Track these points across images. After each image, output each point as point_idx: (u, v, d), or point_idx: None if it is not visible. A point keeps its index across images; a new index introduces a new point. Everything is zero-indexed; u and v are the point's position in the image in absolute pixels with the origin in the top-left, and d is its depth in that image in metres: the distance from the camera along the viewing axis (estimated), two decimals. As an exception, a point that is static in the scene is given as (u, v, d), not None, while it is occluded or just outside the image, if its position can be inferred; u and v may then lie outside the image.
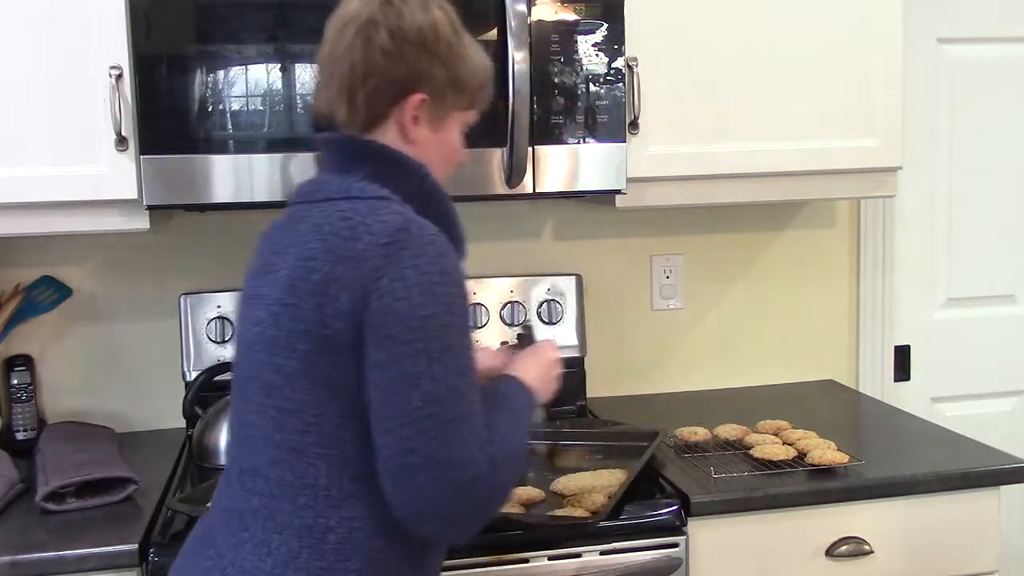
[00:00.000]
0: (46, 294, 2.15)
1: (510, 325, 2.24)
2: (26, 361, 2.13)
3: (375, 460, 1.18)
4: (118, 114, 1.76)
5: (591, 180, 1.91)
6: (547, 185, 1.89)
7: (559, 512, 1.63)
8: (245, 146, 1.77)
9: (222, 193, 1.77)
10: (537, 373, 1.40)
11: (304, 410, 1.20)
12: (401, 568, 1.24)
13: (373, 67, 1.27)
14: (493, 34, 1.82)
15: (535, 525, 1.63)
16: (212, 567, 1.25)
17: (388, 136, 1.31)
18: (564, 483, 1.72)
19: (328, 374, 1.19)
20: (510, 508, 1.64)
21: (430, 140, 1.33)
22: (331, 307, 1.17)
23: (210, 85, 1.75)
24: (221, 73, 1.75)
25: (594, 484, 1.70)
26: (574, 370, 2.28)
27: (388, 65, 1.27)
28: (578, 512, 1.61)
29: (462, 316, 1.20)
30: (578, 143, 1.89)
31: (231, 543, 1.25)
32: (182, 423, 2.13)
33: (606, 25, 1.89)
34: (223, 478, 1.33)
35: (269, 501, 1.23)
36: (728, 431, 1.99)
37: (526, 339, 1.62)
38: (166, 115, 1.75)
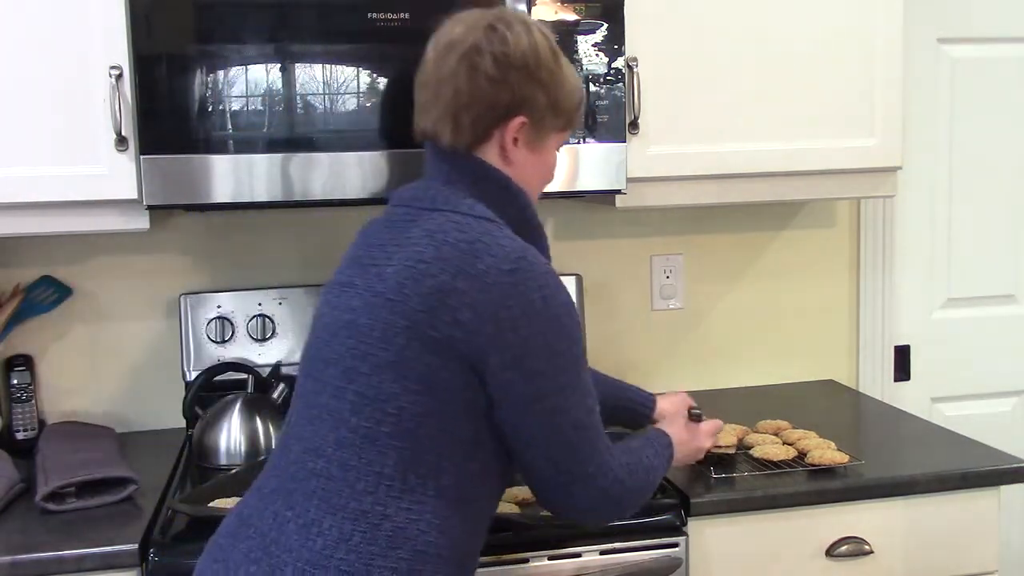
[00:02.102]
0: (46, 294, 2.15)
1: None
2: (26, 361, 2.13)
3: (445, 460, 1.26)
4: (118, 114, 1.76)
5: (591, 180, 1.91)
6: (547, 185, 1.89)
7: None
8: (245, 146, 1.77)
9: (222, 193, 1.77)
10: (685, 447, 1.61)
11: (387, 400, 1.24)
12: (448, 562, 1.27)
13: (478, 93, 1.32)
14: (493, 34, 1.82)
15: (526, 525, 1.63)
16: (255, 546, 1.26)
17: (489, 156, 1.36)
18: (564, 483, 1.72)
19: (421, 372, 1.23)
20: (505, 508, 1.64)
21: (527, 161, 1.38)
22: (449, 316, 1.22)
23: (210, 85, 1.75)
24: (221, 73, 1.75)
25: (594, 484, 1.70)
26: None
27: (493, 91, 1.32)
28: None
29: (581, 343, 1.31)
30: (578, 143, 1.89)
31: (273, 523, 1.26)
32: (182, 423, 2.13)
33: (606, 25, 1.89)
34: (274, 460, 1.35)
35: (327, 483, 1.25)
36: (728, 431, 1.98)
37: (696, 418, 1.72)
38: (166, 115, 1.75)
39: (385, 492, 1.24)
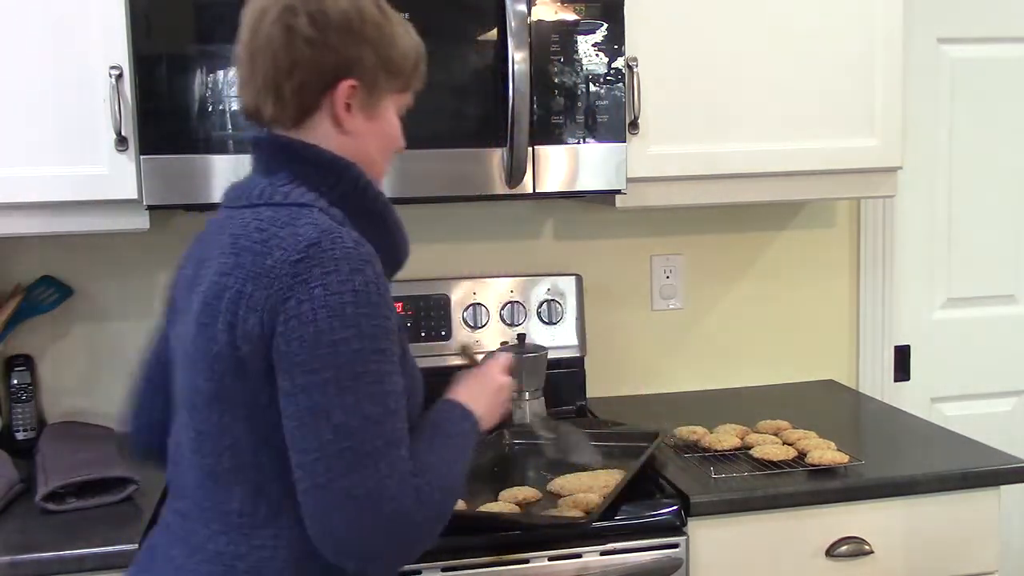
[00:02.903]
0: (46, 294, 2.15)
1: (510, 325, 2.24)
2: (26, 361, 2.13)
3: (293, 487, 1.12)
4: (118, 114, 1.76)
5: (591, 180, 1.91)
6: (547, 185, 1.89)
7: (554, 512, 1.63)
8: (245, 146, 1.76)
9: (222, 193, 1.76)
10: (483, 397, 1.34)
11: (220, 434, 1.17)
12: None
13: (297, 57, 1.18)
14: (493, 34, 1.82)
15: (527, 524, 1.63)
16: None
17: (322, 129, 1.22)
18: (561, 483, 1.72)
19: (242, 399, 1.15)
20: (505, 508, 1.64)
21: (366, 129, 1.24)
22: (241, 329, 1.12)
23: (210, 85, 1.75)
24: (221, 73, 1.75)
25: (591, 484, 1.70)
26: (574, 370, 2.28)
27: (314, 54, 1.18)
28: (572, 512, 1.61)
29: (376, 338, 1.11)
30: (578, 143, 1.89)
31: (164, 565, 1.24)
32: (182, 423, 2.13)
33: (606, 25, 1.89)
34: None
35: (191, 524, 1.21)
36: (728, 431, 1.98)
37: (475, 360, 1.53)
38: (166, 115, 1.75)
39: (237, 530, 1.17)
